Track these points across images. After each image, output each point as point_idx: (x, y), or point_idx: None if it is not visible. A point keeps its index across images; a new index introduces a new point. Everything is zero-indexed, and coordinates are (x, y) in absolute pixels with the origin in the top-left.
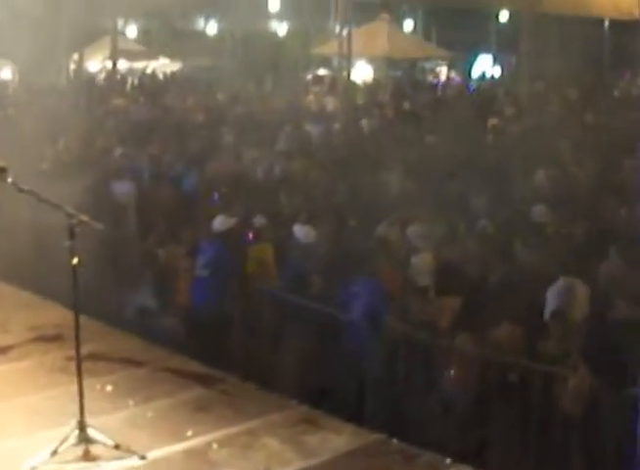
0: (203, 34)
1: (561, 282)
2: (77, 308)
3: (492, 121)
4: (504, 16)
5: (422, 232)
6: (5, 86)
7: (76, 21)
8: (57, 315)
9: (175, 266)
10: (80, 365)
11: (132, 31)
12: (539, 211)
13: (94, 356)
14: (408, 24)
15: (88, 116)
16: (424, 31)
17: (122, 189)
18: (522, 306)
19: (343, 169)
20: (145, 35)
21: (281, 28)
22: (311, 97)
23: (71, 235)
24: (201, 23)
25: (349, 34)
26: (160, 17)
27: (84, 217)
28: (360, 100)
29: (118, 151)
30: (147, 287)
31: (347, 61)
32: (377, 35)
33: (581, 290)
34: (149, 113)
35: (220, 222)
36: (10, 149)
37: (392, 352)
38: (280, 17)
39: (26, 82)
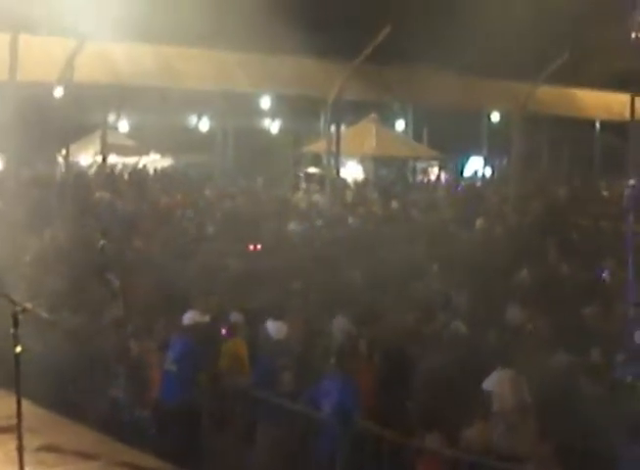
0: (195, 130)
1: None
2: (20, 396)
3: (479, 221)
4: (495, 117)
5: None
6: None
7: (69, 115)
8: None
9: (147, 360)
10: (22, 455)
11: (124, 126)
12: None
13: (49, 448)
14: (400, 125)
15: (75, 208)
16: (415, 132)
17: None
18: None
19: (321, 267)
20: (137, 131)
21: (273, 126)
22: (300, 194)
23: (15, 323)
24: (193, 119)
25: (338, 133)
26: (153, 112)
27: (28, 305)
28: (349, 198)
29: (102, 243)
30: (119, 379)
31: (336, 159)
32: (365, 135)
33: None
34: (135, 207)
35: (190, 317)
36: None
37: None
38: (272, 115)
39: (16, 174)
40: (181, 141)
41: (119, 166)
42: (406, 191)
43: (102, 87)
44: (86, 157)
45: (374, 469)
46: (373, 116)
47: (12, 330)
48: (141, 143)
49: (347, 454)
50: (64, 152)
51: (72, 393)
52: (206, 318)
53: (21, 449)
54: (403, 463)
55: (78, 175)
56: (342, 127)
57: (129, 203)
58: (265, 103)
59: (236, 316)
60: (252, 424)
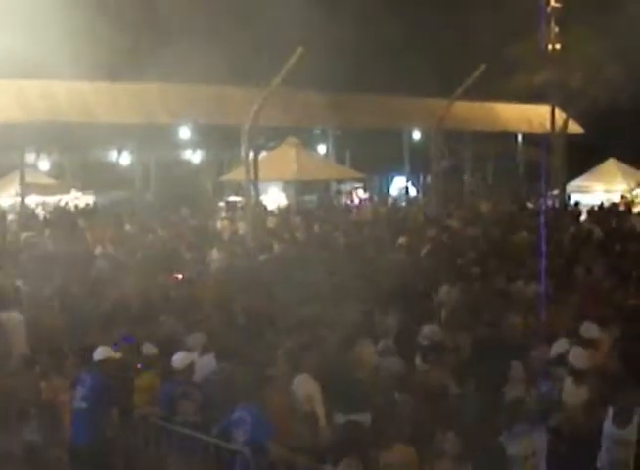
0: (116, 165)
1: None
2: None
3: (402, 239)
4: (417, 135)
5: None
6: None
7: None
8: None
9: (58, 399)
10: None
11: (44, 165)
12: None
13: None
14: (321, 149)
15: None
16: (337, 155)
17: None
18: None
19: (240, 294)
20: (57, 168)
21: (195, 156)
22: (224, 222)
23: None
24: (113, 154)
25: (256, 160)
26: (72, 149)
27: None
28: (271, 224)
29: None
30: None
31: (255, 186)
32: (285, 159)
33: None
34: (54, 245)
35: (100, 352)
36: None
37: None
38: (193, 145)
39: None
40: (102, 177)
41: (39, 206)
42: (330, 215)
43: (18, 126)
44: (6, 198)
45: None
46: (292, 139)
47: None
48: (62, 181)
49: None
50: None
51: None
52: (118, 354)
53: None
54: None
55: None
56: (263, 153)
57: (49, 242)
58: (185, 133)
59: (149, 348)
60: (163, 458)
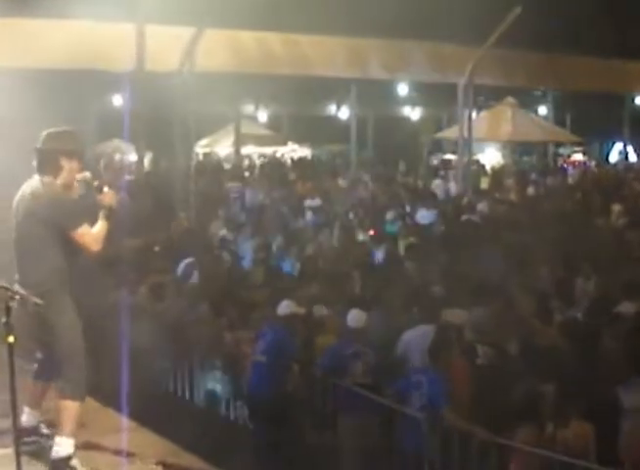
0: (334, 120)
1: None
2: (14, 385)
3: (617, 207)
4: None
5: None
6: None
7: (205, 108)
8: None
9: (241, 351)
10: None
11: (263, 116)
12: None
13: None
14: (542, 110)
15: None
16: (557, 117)
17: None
18: None
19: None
20: (275, 120)
21: (413, 114)
22: (437, 181)
23: (7, 311)
24: (332, 108)
25: (469, 118)
26: (291, 102)
27: (22, 292)
28: (484, 184)
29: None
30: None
31: (468, 144)
32: (501, 119)
33: None
34: (263, 196)
35: (285, 307)
36: None
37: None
38: (412, 102)
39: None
40: (320, 130)
41: (255, 157)
42: (544, 177)
43: (235, 76)
44: (224, 147)
45: (463, 466)
46: (509, 99)
47: (3, 319)
48: (278, 133)
49: (435, 451)
50: (203, 142)
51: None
52: (302, 310)
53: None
54: (494, 461)
55: (217, 165)
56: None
57: (259, 192)
58: (403, 90)
59: (318, 309)
60: (339, 416)
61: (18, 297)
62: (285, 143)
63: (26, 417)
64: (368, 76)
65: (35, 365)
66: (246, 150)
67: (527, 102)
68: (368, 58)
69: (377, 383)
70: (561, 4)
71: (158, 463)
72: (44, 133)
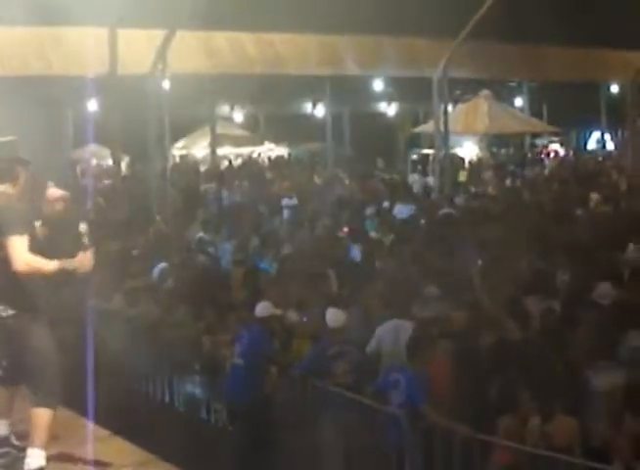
0: (309, 118)
1: None
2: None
3: (594, 196)
4: (614, 88)
5: None
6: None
7: (180, 110)
8: None
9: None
10: None
11: (239, 117)
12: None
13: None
14: (518, 101)
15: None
16: (534, 107)
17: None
18: None
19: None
20: (251, 120)
21: (389, 110)
22: (415, 176)
23: None
24: (308, 107)
25: (445, 112)
26: (266, 101)
27: None
28: (462, 177)
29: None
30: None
31: (444, 138)
32: (477, 112)
33: None
34: (240, 196)
35: (262, 309)
36: None
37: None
38: (388, 98)
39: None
40: (296, 129)
41: (232, 157)
42: (522, 169)
43: (209, 78)
44: (200, 149)
45: (445, 462)
46: (485, 92)
47: None
48: (255, 133)
49: (416, 449)
50: (179, 145)
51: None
52: (279, 311)
53: None
54: (476, 455)
55: (193, 166)
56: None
57: (235, 193)
58: (378, 86)
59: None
60: (319, 417)
61: None
62: (262, 143)
63: None
64: (342, 73)
65: (0, 372)
66: (222, 151)
67: (503, 94)
68: (342, 54)
69: (358, 382)
70: None
71: None
72: None
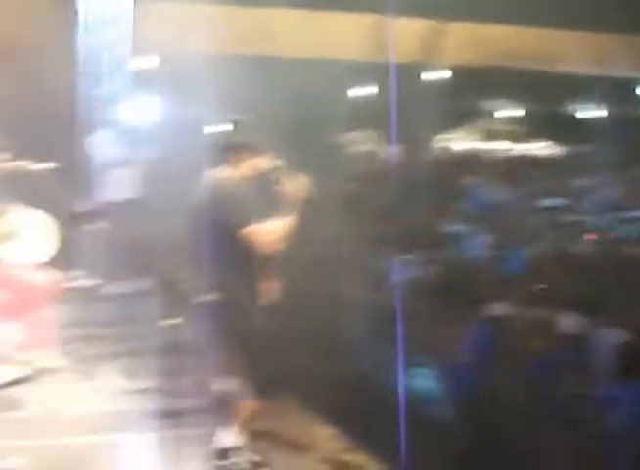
0: (578, 119)
1: None
2: None
3: None
4: None
5: None
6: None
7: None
8: None
9: None
10: None
11: (507, 112)
12: None
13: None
14: None
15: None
16: None
17: None
18: None
19: None
20: (516, 117)
21: None
22: None
23: None
24: (574, 107)
25: None
26: (536, 100)
27: None
28: None
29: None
30: None
31: None
32: None
33: None
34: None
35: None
36: None
37: None
38: None
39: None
40: (563, 129)
41: (497, 153)
42: None
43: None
44: (461, 142)
45: None
46: None
47: None
48: (521, 130)
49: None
50: (444, 137)
51: None
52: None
53: None
54: None
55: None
56: None
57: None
58: None
59: None
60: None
61: None
62: (527, 140)
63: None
64: (615, 75)
65: None
66: (486, 145)
67: None
68: (614, 55)
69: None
70: None
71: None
72: None
